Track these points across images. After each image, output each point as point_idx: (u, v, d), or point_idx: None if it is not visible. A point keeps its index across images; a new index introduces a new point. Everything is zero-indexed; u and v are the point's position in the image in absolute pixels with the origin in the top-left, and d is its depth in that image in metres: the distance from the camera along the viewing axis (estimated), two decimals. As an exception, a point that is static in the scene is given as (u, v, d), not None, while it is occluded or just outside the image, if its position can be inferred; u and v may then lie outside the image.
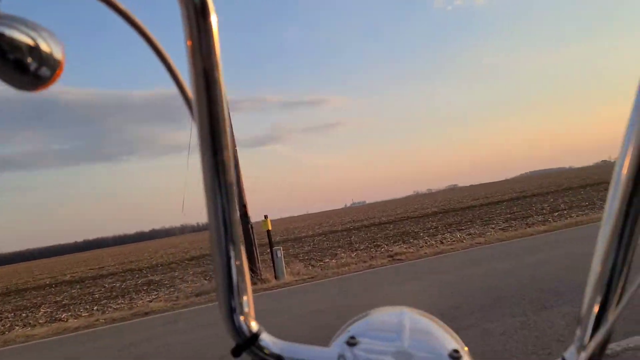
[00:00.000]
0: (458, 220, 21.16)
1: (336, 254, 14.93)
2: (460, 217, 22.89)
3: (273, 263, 10.60)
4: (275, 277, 10.39)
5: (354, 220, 39.48)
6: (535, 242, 9.47)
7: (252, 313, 0.48)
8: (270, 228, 11.11)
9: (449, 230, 17.08)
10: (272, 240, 11.28)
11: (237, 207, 0.44)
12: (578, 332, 0.43)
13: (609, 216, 0.39)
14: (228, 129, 0.41)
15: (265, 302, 7.58)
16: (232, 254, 0.44)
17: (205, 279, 13.84)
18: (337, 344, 0.51)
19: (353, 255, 13.74)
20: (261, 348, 0.48)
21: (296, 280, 9.60)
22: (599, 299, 0.40)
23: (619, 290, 0.40)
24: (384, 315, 0.57)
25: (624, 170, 0.37)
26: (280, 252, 10.61)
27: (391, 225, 25.31)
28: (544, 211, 18.11)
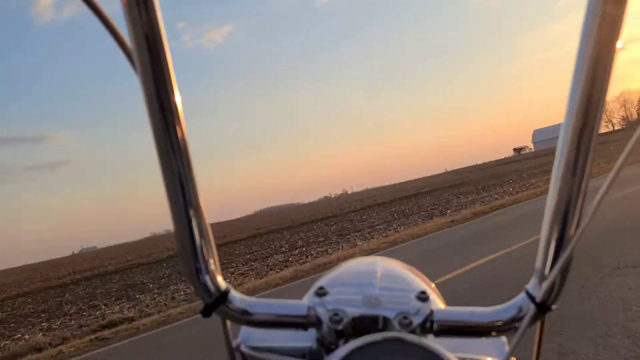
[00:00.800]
0: (195, 264, 18.86)
1: (33, 326, 11.16)
2: (198, 260, 20.61)
3: None
4: None
5: (75, 272, 33.55)
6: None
7: (219, 271, 0.47)
8: None
9: (183, 278, 14.69)
10: None
11: (192, 166, 0.42)
12: (538, 263, 0.44)
13: (563, 146, 0.39)
14: (176, 86, 0.39)
15: None
16: (192, 213, 0.43)
17: None
18: (307, 296, 0.51)
19: (57, 323, 10.48)
20: (231, 306, 0.48)
21: None
22: (556, 228, 0.41)
23: (576, 219, 0.40)
24: (355, 265, 0.58)
25: (575, 100, 0.37)
26: None
27: (118, 276, 21.64)
28: (284, 249, 17.23)
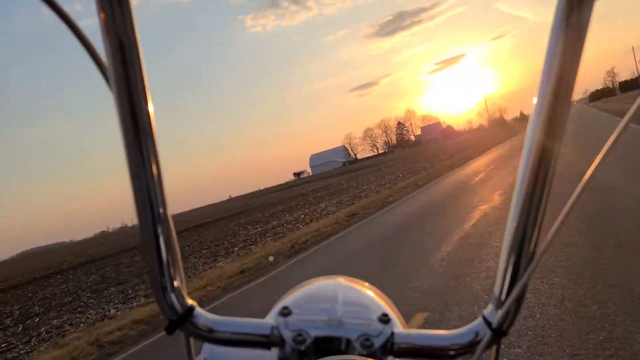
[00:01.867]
0: None
1: None
2: None
3: None
4: None
5: None
6: None
7: (185, 287, 0.47)
8: None
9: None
10: None
11: (163, 179, 0.42)
12: (496, 289, 0.45)
13: (523, 177, 0.40)
14: (150, 105, 0.40)
15: None
16: (160, 228, 0.43)
17: None
18: (271, 316, 0.51)
19: None
20: (195, 323, 0.48)
21: None
22: (513, 255, 0.42)
23: (532, 246, 0.42)
24: (318, 285, 0.58)
25: (535, 135, 0.38)
26: None
27: None
28: (8, 322, 11.98)
